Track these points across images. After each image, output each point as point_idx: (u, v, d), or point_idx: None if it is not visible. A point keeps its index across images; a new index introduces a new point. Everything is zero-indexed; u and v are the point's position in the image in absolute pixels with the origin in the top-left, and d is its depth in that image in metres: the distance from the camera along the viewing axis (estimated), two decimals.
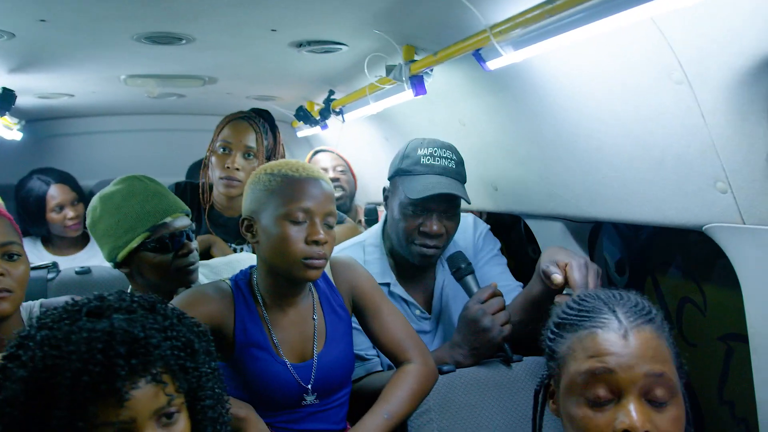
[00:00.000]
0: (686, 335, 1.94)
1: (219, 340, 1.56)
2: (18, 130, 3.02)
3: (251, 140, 2.25)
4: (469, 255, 2.05)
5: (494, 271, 2.04)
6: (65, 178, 3.16)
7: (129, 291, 1.87)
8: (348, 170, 3.20)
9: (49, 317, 0.95)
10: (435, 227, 1.88)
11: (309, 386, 1.61)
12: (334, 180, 3.09)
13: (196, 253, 1.85)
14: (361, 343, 1.86)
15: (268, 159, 2.38)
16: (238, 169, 2.23)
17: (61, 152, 3.63)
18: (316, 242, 1.52)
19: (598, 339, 1.09)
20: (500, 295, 1.81)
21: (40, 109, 3.25)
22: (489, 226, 2.13)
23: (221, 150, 2.25)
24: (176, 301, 1.57)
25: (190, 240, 1.84)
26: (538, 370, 1.82)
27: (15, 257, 1.57)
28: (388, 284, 1.99)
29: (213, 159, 2.28)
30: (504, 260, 2.10)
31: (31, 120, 3.46)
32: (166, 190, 1.86)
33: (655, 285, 2.06)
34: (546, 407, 1.26)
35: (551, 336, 1.19)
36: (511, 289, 2.02)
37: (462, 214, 2.11)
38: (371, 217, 2.84)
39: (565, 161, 1.79)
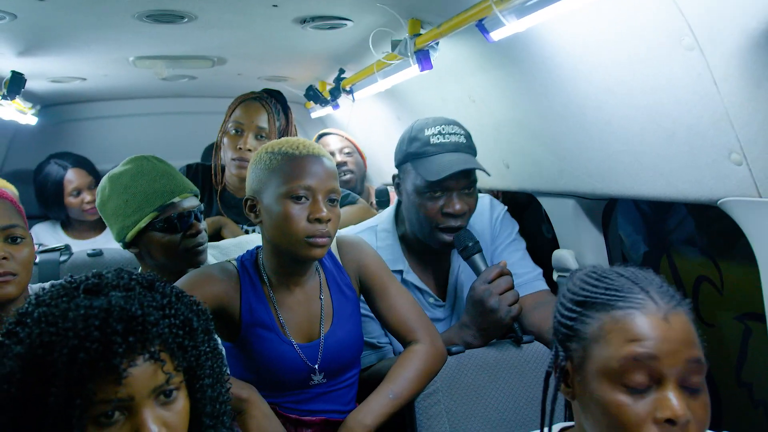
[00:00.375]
0: (703, 315, 1.88)
1: (225, 320, 1.58)
2: (33, 114, 3.04)
3: (263, 121, 2.23)
4: (486, 239, 2.01)
5: (513, 258, 1.98)
6: (82, 163, 3.18)
7: (138, 271, 1.90)
8: (356, 151, 3.13)
9: (47, 294, 0.94)
10: (458, 206, 1.83)
11: (316, 366, 1.60)
12: (341, 164, 3.05)
13: (204, 234, 1.84)
14: (373, 331, 1.85)
15: (281, 137, 2.36)
16: (250, 150, 2.21)
17: (76, 137, 3.65)
18: (319, 220, 1.50)
19: (638, 321, 1.02)
20: (508, 274, 1.77)
21: (54, 93, 3.26)
22: (506, 207, 2.08)
23: (233, 131, 2.24)
24: (182, 282, 1.56)
25: (199, 220, 1.83)
26: (548, 352, 1.78)
27: (19, 240, 1.58)
28: (401, 271, 1.95)
29: (225, 140, 2.26)
30: (523, 244, 2.05)
31: (46, 105, 3.48)
32: (175, 170, 1.85)
33: (671, 263, 2.00)
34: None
35: (571, 314, 1.10)
36: (531, 278, 1.97)
37: (479, 195, 2.07)
38: (383, 198, 2.80)
39: (575, 135, 1.73)
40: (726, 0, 1.10)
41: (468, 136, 1.89)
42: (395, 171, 1.98)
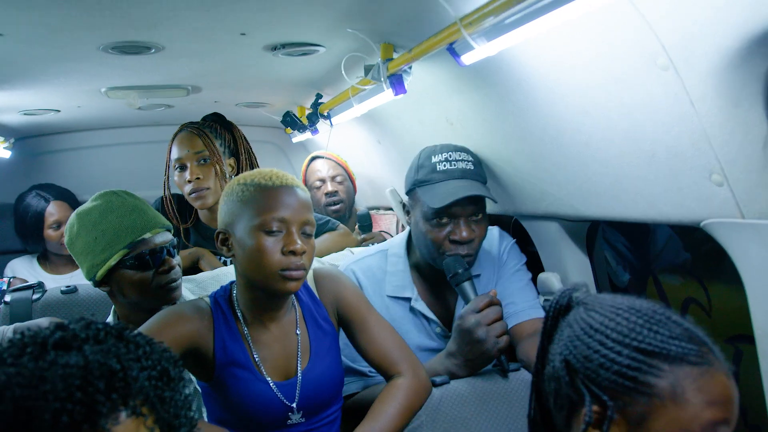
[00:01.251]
0: None
1: (199, 359, 1.52)
2: (5, 148, 2.98)
3: (198, 145, 2.21)
4: (493, 269, 1.98)
5: (515, 287, 1.95)
6: (65, 195, 3.12)
7: (113, 311, 1.83)
8: (347, 177, 3.04)
9: (6, 352, 0.86)
10: (465, 233, 1.80)
11: (294, 405, 1.53)
12: (332, 194, 2.96)
13: (178, 269, 1.78)
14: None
15: (233, 155, 2.31)
16: (199, 178, 2.17)
17: (53, 169, 3.58)
18: (293, 252, 1.44)
19: (716, 381, 0.93)
20: (498, 304, 1.72)
21: (27, 126, 3.21)
22: (515, 240, 2.04)
23: (177, 170, 2.22)
24: (152, 321, 1.50)
25: (172, 256, 1.77)
26: None
27: None
28: (408, 299, 1.91)
29: (175, 180, 2.24)
30: (528, 275, 2.00)
31: (21, 138, 3.42)
32: (146, 205, 1.80)
33: (657, 285, 1.95)
34: None
35: (633, 363, 0.96)
36: (528, 305, 1.93)
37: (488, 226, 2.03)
38: (365, 223, 2.74)
39: (554, 158, 1.69)
40: (699, 20, 1.06)
41: (477, 163, 1.87)
42: (387, 195, 1.95)
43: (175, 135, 2.26)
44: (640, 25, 1.14)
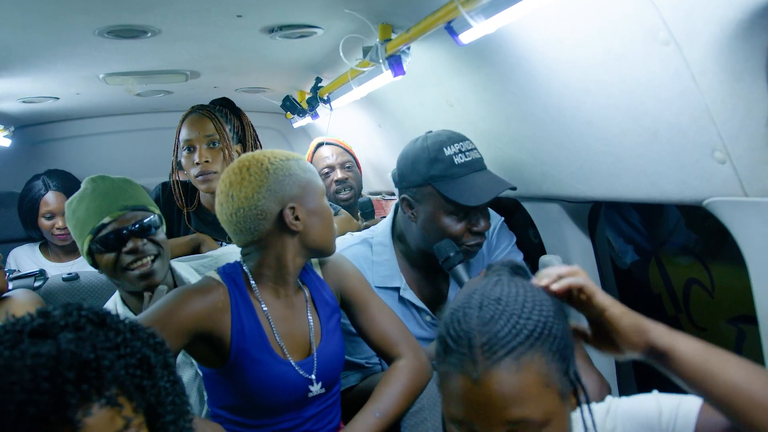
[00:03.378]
0: (694, 318, 1.83)
1: (212, 343, 1.50)
2: (5, 136, 2.97)
3: (210, 129, 2.18)
4: (485, 252, 1.95)
5: None
6: (66, 188, 3.06)
7: (117, 293, 1.83)
8: (355, 164, 2.96)
9: None
10: (483, 224, 1.80)
11: (313, 376, 1.56)
12: (342, 180, 2.87)
13: (149, 249, 1.75)
14: (364, 351, 1.78)
15: (240, 141, 2.30)
16: (207, 161, 2.16)
17: (53, 157, 3.58)
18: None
19: (452, 384, 0.96)
20: None
21: (27, 114, 3.20)
22: (503, 219, 2.01)
23: (186, 150, 2.20)
24: (159, 304, 1.49)
25: (138, 236, 1.73)
26: None
27: None
28: (397, 288, 1.89)
29: (183, 161, 2.22)
30: (520, 255, 1.98)
31: (21, 126, 3.41)
32: (115, 189, 1.78)
33: (660, 266, 1.94)
34: None
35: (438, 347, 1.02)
36: None
37: None
38: (367, 210, 2.71)
39: (556, 138, 1.67)
40: None
41: (478, 150, 1.85)
42: (389, 179, 1.91)
43: (186, 116, 2.23)
44: (641, 0, 1.12)
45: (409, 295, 1.89)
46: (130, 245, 1.72)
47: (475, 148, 1.83)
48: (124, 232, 1.73)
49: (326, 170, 2.90)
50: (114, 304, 1.85)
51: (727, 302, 1.71)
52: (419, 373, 1.62)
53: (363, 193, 3.24)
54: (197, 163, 2.16)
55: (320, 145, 2.98)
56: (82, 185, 1.79)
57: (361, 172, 3.05)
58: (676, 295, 1.87)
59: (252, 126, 2.34)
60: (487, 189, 1.74)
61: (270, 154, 1.56)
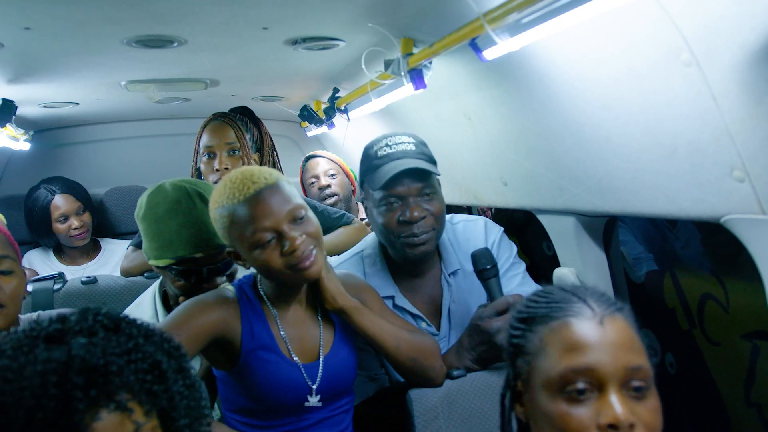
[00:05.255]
0: (709, 333, 1.84)
1: (224, 347, 1.55)
2: (25, 140, 3.01)
3: (231, 137, 2.23)
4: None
5: (513, 282, 1.91)
6: (71, 188, 3.12)
7: (158, 283, 1.85)
8: (341, 172, 3.15)
9: (8, 343, 0.87)
10: (416, 213, 1.77)
11: (314, 386, 1.57)
12: (325, 187, 3.08)
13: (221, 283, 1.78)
14: (369, 364, 1.80)
15: (258, 150, 2.35)
16: (227, 168, 2.20)
17: (71, 161, 3.63)
18: (293, 250, 1.46)
19: (573, 329, 1.02)
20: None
21: (47, 118, 3.24)
22: (503, 229, 2.01)
23: (206, 157, 2.24)
24: (177, 312, 1.53)
25: (217, 274, 1.74)
26: None
27: (8, 272, 1.56)
28: (392, 297, 1.90)
29: (202, 167, 2.26)
30: (522, 266, 1.98)
31: (40, 130, 3.46)
32: (209, 219, 1.71)
33: (674, 281, 1.96)
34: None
35: (517, 332, 1.10)
36: None
37: (473, 218, 2.03)
38: None
39: (574, 153, 1.69)
40: (723, 15, 1.07)
41: (420, 144, 1.84)
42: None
43: (208, 123, 2.27)
44: (663, 21, 1.15)
45: (404, 302, 1.90)
46: (214, 282, 1.73)
47: (411, 142, 1.82)
48: (211, 269, 1.72)
49: (312, 180, 3.15)
50: (151, 299, 1.86)
51: (741, 318, 1.73)
52: (433, 348, 1.69)
53: (359, 203, 3.32)
54: (217, 170, 2.20)
55: (307, 159, 3.22)
56: (174, 192, 1.71)
57: (351, 179, 3.18)
58: (691, 310, 1.89)
59: (270, 136, 2.38)
60: (391, 171, 1.75)
61: (213, 200, 1.53)
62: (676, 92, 1.25)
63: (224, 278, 1.76)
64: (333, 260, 2.17)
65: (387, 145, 1.82)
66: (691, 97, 1.22)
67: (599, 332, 1.01)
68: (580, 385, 1.00)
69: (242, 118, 2.32)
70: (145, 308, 1.83)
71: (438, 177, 1.85)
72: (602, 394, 0.99)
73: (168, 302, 1.85)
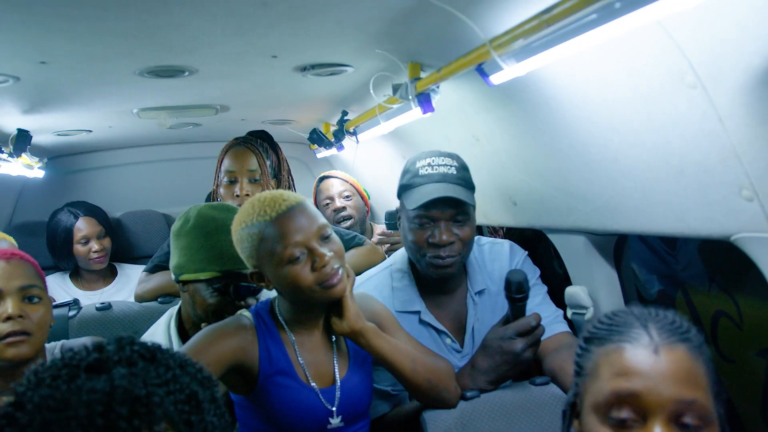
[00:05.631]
0: (723, 351, 1.84)
1: (242, 374, 1.56)
2: (39, 168, 3.06)
3: (253, 164, 2.25)
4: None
5: (534, 302, 1.92)
6: (94, 212, 3.18)
7: (178, 308, 1.86)
8: (356, 193, 3.11)
9: (47, 372, 0.88)
10: (444, 237, 1.80)
11: (334, 409, 1.58)
12: (340, 209, 3.05)
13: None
14: (387, 379, 1.81)
15: (275, 177, 2.37)
16: (247, 195, 2.22)
17: (84, 187, 3.67)
18: (324, 265, 1.49)
19: (625, 355, 0.98)
20: (540, 326, 1.73)
21: (60, 146, 3.29)
22: (527, 253, 2.04)
23: (227, 180, 2.25)
24: (195, 340, 1.54)
25: (254, 294, 1.78)
26: (562, 396, 1.74)
27: (35, 300, 1.58)
28: (418, 312, 1.92)
29: (221, 191, 2.28)
30: (544, 289, 2.00)
31: (53, 157, 3.51)
32: None
33: (687, 299, 1.95)
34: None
35: (579, 351, 1.10)
36: (551, 320, 1.93)
37: (499, 241, 2.04)
38: (392, 221, 2.74)
39: (582, 173, 1.71)
40: (726, 38, 1.08)
41: (462, 168, 1.87)
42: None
43: (230, 147, 2.29)
44: (668, 45, 1.17)
45: (429, 318, 1.92)
46: (247, 301, 1.75)
47: (453, 165, 1.84)
48: (250, 289, 1.75)
49: (326, 201, 3.10)
50: (165, 328, 1.87)
51: (755, 334, 1.73)
52: (448, 370, 1.69)
53: (373, 224, 3.32)
54: (237, 196, 2.22)
55: (322, 179, 3.18)
56: (226, 212, 1.75)
57: (366, 201, 3.15)
58: (704, 327, 1.89)
59: (286, 161, 2.41)
60: (428, 195, 1.78)
61: (240, 220, 1.55)
62: (682, 114, 1.26)
63: (253, 300, 1.78)
64: (359, 276, 2.18)
65: (430, 165, 1.84)
66: (697, 118, 1.24)
67: (651, 360, 0.97)
68: (624, 414, 0.96)
69: (262, 143, 2.35)
70: (158, 339, 1.84)
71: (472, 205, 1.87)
72: (647, 426, 0.95)
73: (183, 331, 1.86)
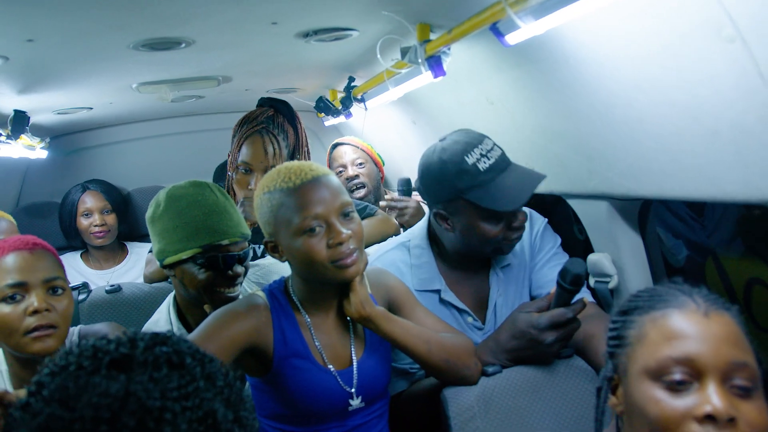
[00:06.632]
0: (757, 319, 1.76)
1: (257, 355, 1.52)
2: (42, 148, 3.00)
3: (270, 158, 2.15)
4: (527, 256, 1.90)
5: (552, 273, 1.83)
6: (103, 188, 3.15)
7: (172, 296, 1.83)
8: (370, 160, 2.99)
9: (75, 357, 0.83)
10: (522, 216, 1.75)
11: (353, 390, 1.54)
12: (353, 177, 2.94)
13: (241, 278, 1.78)
14: (406, 357, 1.76)
15: (292, 156, 2.28)
16: None
17: (88, 164, 3.62)
18: (340, 243, 1.43)
19: (676, 318, 1.00)
20: (577, 322, 1.64)
21: (61, 124, 3.23)
22: (546, 220, 1.95)
23: (242, 170, 2.17)
24: (208, 323, 1.50)
25: (241, 264, 1.76)
26: (587, 370, 1.68)
27: (60, 291, 1.55)
28: (438, 291, 1.86)
29: (236, 177, 2.20)
30: (565, 257, 1.91)
31: (55, 136, 3.45)
32: (233, 208, 1.79)
33: (718, 265, 1.87)
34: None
35: (616, 324, 1.09)
36: None
37: None
38: (405, 188, 2.66)
39: (603, 135, 1.61)
40: None
41: (495, 143, 1.77)
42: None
43: (248, 134, 2.18)
44: None
45: (450, 296, 1.86)
46: (236, 270, 1.73)
47: (495, 145, 1.74)
48: (235, 257, 1.73)
49: (339, 169, 2.98)
50: (167, 315, 1.84)
51: None
52: (467, 347, 1.63)
53: (387, 190, 3.23)
54: (250, 189, 2.16)
55: (335, 146, 3.06)
56: (194, 187, 1.75)
57: (380, 166, 3.05)
58: (736, 295, 1.81)
59: (305, 135, 2.31)
60: (519, 189, 1.68)
61: (264, 185, 1.51)
62: (717, 71, 1.17)
63: (242, 268, 1.76)
64: (377, 248, 2.11)
65: (483, 155, 1.71)
66: (734, 75, 1.14)
67: (703, 323, 0.99)
68: (678, 376, 0.97)
69: (282, 123, 2.23)
70: (161, 328, 1.80)
71: None
72: (702, 386, 0.96)
73: (182, 317, 1.83)
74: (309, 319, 1.55)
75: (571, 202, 2.07)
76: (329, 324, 1.57)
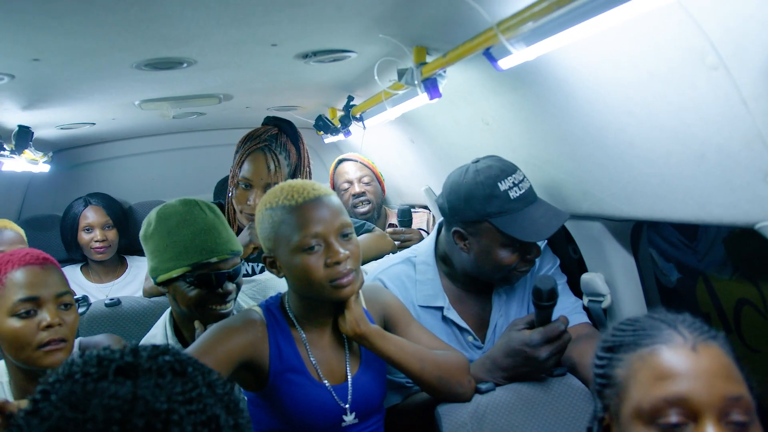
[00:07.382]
0: (747, 340, 1.78)
1: (253, 370, 1.54)
2: (45, 162, 3.03)
3: (270, 175, 2.18)
4: (528, 276, 1.94)
5: None
6: (105, 203, 3.18)
7: (168, 312, 1.85)
8: (375, 178, 3.06)
9: (81, 364, 0.86)
10: (536, 251, 1.81)
11: (347, 406, 1.56)
12: (359, 195, 2.99)
13: (233, 295, 1.80)
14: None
15: (293, 175, 2.31)
16: None
17: (90, 179, 3.65)
18: (337, 262, 1.45)
19: (665, 356, 0.95)
20: (567, 333, 1.68)
21: (64, 139, 3.26)
22: (546, 241, 1.99)
23: (243, 185, 2.20)
24: (204, 338, 1.52)
25: (232, 280, 1.78)
26: (580, 388, 1.70)
27: (69, 306, 1.58)
28: (441, 308, 1.89)
29: (236, 192, 2.23)
30: (563, 279, 1.97)
31: (58, 150, 3.48)
32: (223, 225, 1.80)
33: (708, 286, 1.89)
34: None
35: (602, 362, 1.05)
36: (570, 310, 1.89)
37: None
38: (405, 218, 2.70)
39: (596, 158, 1.64)
40: (749, 15, 1.01)
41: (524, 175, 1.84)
42: (422, 193, 1.91)
43: (251, 151, 2.22)
44: (687, 24, 1.09)
45: (453, 315, 1.88)
46: (227, 287, 1.75)
47: (525, 178, 1.81)
48: (225, 274, 1.75)
49: (345, 185, 3.04)
50: (163, 330, 1.86)
51: None
52: (461, 364, 1.64)
53: (387, 208, 3.26)
54: (249, 204, 2.19)
55: (340, 162, 3.12)
56: (183, 206, 1.78)
57: (383, 187, 3.10)
58: (726, 315, 1.82)
59: (308, 155, 2.34)
60: (545, 223, 1.74)
61: (266, 200, 1.54)
62: (702, 96, 1.20)
63: (233, 285, 1.78)
64: (381, 262, 2.14)
65: (515, 184, 1.78)
66: (719, 101, 1.17)
67: (692, 359, 0.94)
68: (674, 418, 0.93)
69: (284, 143, 2.27)
70: (158, 341, 1.82)
71: None
72: (699, 426, 0.92)
73: (178, 332, 1.84)
74: (305, 335, 1.57)
75: (566, 223, 2.09)
76: (325, 340, 1.59)
